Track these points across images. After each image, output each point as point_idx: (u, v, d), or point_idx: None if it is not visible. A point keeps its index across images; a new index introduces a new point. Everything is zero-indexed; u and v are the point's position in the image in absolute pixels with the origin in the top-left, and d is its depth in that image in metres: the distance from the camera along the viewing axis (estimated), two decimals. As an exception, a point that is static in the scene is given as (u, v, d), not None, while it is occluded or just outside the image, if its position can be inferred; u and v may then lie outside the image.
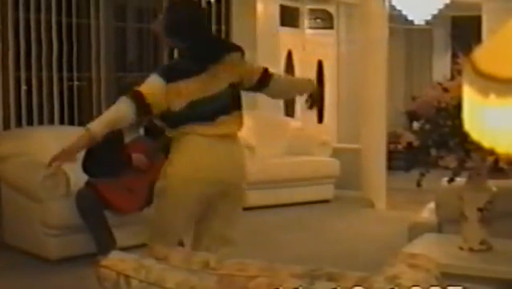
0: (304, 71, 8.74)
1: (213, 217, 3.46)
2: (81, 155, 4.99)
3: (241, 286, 1.59)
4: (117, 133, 5.05)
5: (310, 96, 3.70)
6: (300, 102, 8.78)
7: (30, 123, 6.12)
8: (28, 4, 6.05)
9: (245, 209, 3.75)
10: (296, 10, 8.70)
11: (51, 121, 6.29)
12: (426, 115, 3.17)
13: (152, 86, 3.25)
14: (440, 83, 3.22)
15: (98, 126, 3.17)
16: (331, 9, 8.84)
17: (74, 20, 6.46)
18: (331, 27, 8.93)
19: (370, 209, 6.92)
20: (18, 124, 6.03)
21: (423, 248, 3.21)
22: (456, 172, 3.15)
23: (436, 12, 7.59)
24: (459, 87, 1.66)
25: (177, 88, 3.26)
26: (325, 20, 8.91)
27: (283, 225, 6.23)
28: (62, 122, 6.38)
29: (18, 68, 6.02)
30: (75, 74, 6.55)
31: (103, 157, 4.90)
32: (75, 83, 6.62)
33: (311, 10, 8.81)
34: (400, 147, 3.32)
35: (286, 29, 8.50)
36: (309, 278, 1.59)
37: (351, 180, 7.29)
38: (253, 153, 6.56)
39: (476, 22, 8.07)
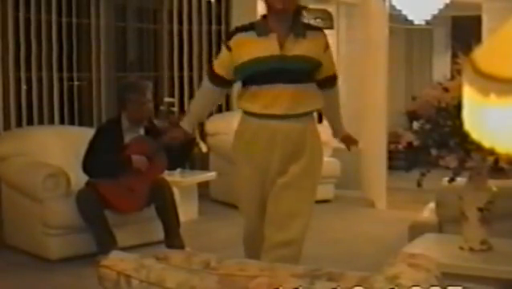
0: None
1: None
2: (81, 155, 5.00)
3: (241, 286, 1.59)
4: (117, 133, 5.05)
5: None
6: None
7: (30, 123, 6.12)
8: (28, 4, 6.05)
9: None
10: (296, 9, 8.69)
11: (51, 121, 6.29)
12: (426, 115, 3.17)
13: None
14: (440, 83, 3.22)
15: None
16: (331, 9, 8.82)
17: (74, 20, 6.47)
18: (331, 27, 8.91)
19: (370, 209, 6.91)
20: (19, 123, 6.03)
21: (423, 248, 3.20)
22: (456, 172, 3.15)
23: (436, 12, 7.58)
24: (459, 87, 1.66)
25: None
26: (325, 20, 8.89)
27: (283, 225, 6.21)
28: (62, 122, 6.37)
29: (18, 68, 6.02)
30: (75, 74, 6.55)
31: (104, 158, 4.90)
32: (75, 83, 6.62)
33: (311, 10, 8.80)
34: (400, 147, 3.32)
35: (287, 29, 8.47)
36: (309, 278, 1.59)
37: (351, 180, 7.28)
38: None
39: (476, 21, 8.04)
